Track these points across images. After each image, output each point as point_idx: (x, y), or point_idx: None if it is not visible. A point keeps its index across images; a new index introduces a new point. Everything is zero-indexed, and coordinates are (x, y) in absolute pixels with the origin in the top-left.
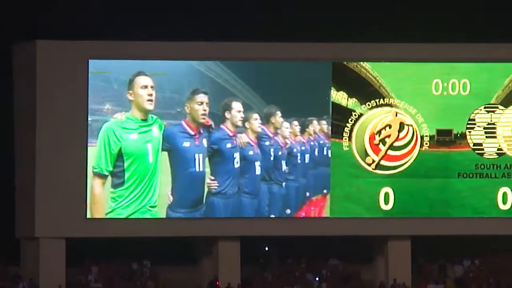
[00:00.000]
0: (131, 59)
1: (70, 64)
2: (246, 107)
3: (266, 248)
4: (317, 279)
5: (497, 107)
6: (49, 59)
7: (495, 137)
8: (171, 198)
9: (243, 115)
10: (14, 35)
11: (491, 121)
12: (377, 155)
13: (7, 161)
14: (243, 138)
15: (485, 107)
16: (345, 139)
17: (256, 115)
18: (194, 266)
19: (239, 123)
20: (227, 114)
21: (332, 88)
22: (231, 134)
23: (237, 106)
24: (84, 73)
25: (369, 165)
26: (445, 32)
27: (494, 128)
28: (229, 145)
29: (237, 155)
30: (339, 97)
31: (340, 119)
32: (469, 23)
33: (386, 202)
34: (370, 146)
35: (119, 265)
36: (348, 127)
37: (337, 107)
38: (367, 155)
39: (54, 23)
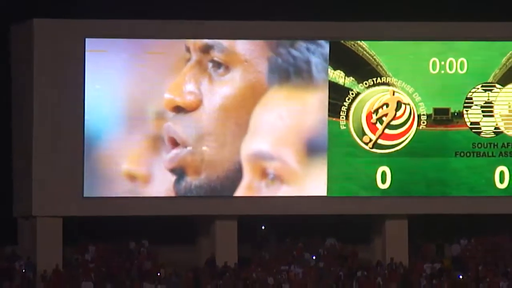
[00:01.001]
0: (129, 38)
1: (67, 43)
2: None
3: (263, 227)
4: (314, 257)
5: (495, 86)
6: (47, 37)
7: (492, 116)
8: None
9: None
10: (12, 16)
11: (488, 100)
12: (374, 134)
13: (4, 140)
14: None
15: (482, 86)
16: (342, 118)
17: None
18: (192, 245)
19: None
20: None
21: (329, 67)
22: None
23: None
24: (81, 51)
25: (366, 144)
26: (443, 11)
27: (492, 107)
28: None
29: None
30: (336, 75)
31: (337, 98)
32: (467, 1)
33: (383, 181)
34: (367, 125)
35: (117, 244)
36: (345, 106)
37: (334, 86)
38: (364, 134)
39: (51, 2)
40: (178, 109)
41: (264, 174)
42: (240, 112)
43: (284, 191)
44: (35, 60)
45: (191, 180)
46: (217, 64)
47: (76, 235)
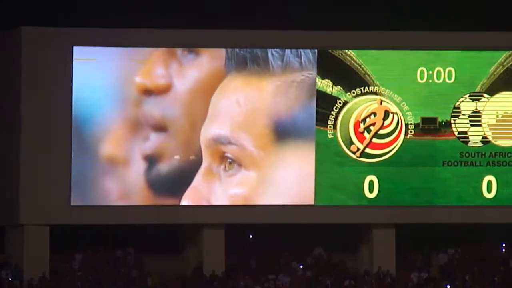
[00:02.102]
0: (118, 46)
1: (55, 51)
2: None
3: (251, 236)
4: (301, 266)
5: (482, 96)
6: (35, 45)
7: (480, 125)
8: None
9: None
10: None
11: (476, 109)
12: (362, 143)
13: None
14: None
15: (470, 95)
16: (330, 127)
17: None
18: (179, 254)
19: None
20: None
21: (317, 76)
22: None
23: None
24: (68, 60)
25: (354, 153)
26: (430, 20)
27: (479, 116)
28: None
29: None
30: (323, 84)
31: (325, 107)
32: (454, 11)
33: (371, 190)
34: (355, 134)
35: (103, 252)
36: (332, 115)
37: (321, 94)
38: (351, 143)
39: (39, 10)
40: (149, 92)
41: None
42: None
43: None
44: (23, 68)
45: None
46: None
47: (64, 243)
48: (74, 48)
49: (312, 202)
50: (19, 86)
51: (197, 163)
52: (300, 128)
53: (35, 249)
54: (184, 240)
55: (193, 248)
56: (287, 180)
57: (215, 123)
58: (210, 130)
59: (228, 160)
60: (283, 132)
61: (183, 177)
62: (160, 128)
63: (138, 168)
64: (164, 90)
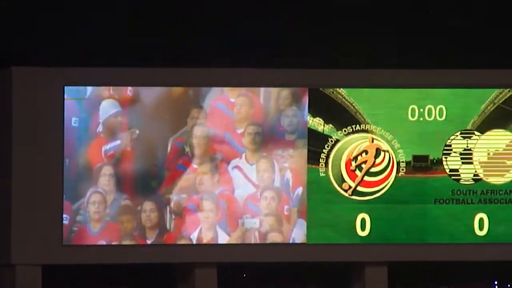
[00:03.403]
0: (108, 85)
1: (46, 91)
2: None
3: (244, 275)
4: None
5: (473, 133)
6: (26, 85)
7: (471, 163)
8: None
9: None
10: None
11: (467, 147)
12: (354, 181)
13: None
14: None
15: (461, 133)
16: (322, 165)
17: None
18: None
19: None
20: None
21: (309, 114)
22: None
23: None
24: (60, 99)
25: (346, 191)
26: (421, 58)
27: (471, 154)
28: None
29: None
30: (315, 123)
31: (317, 145)
32: (443, 49)
33: (363, 228)
34: (347, 172)
35: None
36: (324, 153)
37: (313, 133)
38: (343, 181)
39: (29, 49)
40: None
41: None
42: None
43: None
44: (14, 108)
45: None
46: None
47: (56, 282)
48: (66, 88)
49: (304, 241)
50: (10, 126)
51: None
52: None
53: None
54: (177, 278)
55: (186, 287)
56: None
57: None
58: None
59: None
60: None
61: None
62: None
63: None
64: None
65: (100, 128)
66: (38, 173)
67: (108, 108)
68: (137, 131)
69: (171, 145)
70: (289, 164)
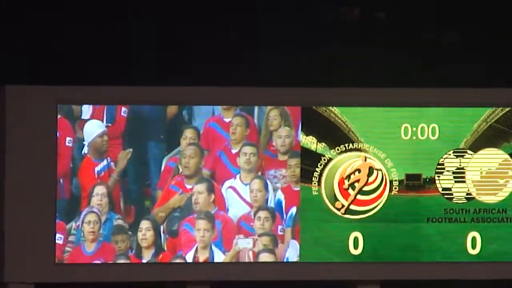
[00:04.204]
0: (101, 104)
1: (39, 110)
2: None
3: None
4: None
5: (466, 152)
6: (18, 104)
7: (464, 181)
8: None
9: None
10: None
11: (460, 165)
12: (347, 200)
13: None
14: None
15: (454, 152)
16: (314, 183)
17: None
18: None
19: None
20: None
21: (302, 133)
22: None
23: None
24: (53, 117)
25: (339, 209)
26: (413, 77)
27: (463, 173)
28: None
29: None
30: (308, 141)
31: (310, 163)
32: (437, 68)
33: (356, 246)
34: (340, 191)
35: None
36: (317, 171)
37: (306, 151)
38: (336, 199)
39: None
40: None
41: None
42: None
43: None
44: (7, 127)
45: None
46: None
47: None
48: (59, 106)
49: (297, 259)
50: (3, 144)
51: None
52: None
53: None
54: None
55: None
56: None
57: None
58: None
59: None
60: None
61: None
62: None
63: None
64: None
65: (85, 150)
66: (31, 192)
67: (93, 128)
68: (131, 150)
69: (165, 165)
70: (282, 184)
